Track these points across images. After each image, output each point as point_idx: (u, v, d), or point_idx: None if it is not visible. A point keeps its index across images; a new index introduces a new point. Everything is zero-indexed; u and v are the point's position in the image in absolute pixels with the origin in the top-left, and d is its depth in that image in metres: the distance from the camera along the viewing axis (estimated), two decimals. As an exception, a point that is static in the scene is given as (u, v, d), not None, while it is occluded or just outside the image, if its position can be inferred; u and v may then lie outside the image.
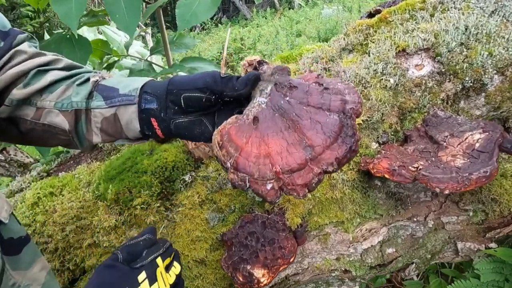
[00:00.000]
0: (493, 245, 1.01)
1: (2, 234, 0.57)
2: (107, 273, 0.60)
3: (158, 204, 1.04)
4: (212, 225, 1.01)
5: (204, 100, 0.66)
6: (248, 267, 0.87)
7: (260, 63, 0.71)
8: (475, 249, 1.02)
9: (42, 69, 0.68)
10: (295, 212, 0.96)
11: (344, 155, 0.60)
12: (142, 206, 1.03)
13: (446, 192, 0.76)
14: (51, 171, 1.36)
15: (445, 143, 0.88)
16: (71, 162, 1.40)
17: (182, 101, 0.67)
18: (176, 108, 0.68)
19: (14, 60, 0.68)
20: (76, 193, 1.14)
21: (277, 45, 6.78)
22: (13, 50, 0.68)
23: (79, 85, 0.69)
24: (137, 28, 2.33)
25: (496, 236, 1.01)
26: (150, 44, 1.93)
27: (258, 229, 0.93)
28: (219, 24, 10.41)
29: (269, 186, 0.61)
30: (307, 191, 0.59)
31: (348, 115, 0.62)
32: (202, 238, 1.01)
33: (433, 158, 0.86)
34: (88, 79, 0.70)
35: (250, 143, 0.64)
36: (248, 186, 0.62)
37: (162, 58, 2.00)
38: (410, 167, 0.83)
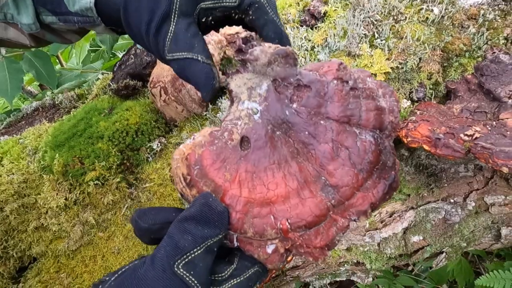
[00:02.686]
0: (548, 232, 0.79)
1: None
2: None
3: (118, 179, 0.81)
4: (188, 206, 0.78)
5: None
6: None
7: (248, 40, 0.44)
8: (524, 237, 0.80)
9: None
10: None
11: (381, 196, 0.40)
12: (96, 181, 0.79)
13: (519, 173, 0.52)
14: (-3, 133, 1.12)
15: (510, 100, 0.62)
16: (23, 122, 1.14)
17: None
18: None
19: None
20: (18, 163, 0.90)
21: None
22: None
23: None
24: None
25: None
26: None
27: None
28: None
29: (270, 249, 0.41)
30: (327, 252, 0.39)
31: (387, 133, 0.41)
32: (175, 222, 0.79)
33: (493, 122, 0.61)
34: None
35: (238, 181, 0.42)
36: (236, 245, 0.42)
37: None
38: (461, 135, 0.58)
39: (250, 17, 0.46)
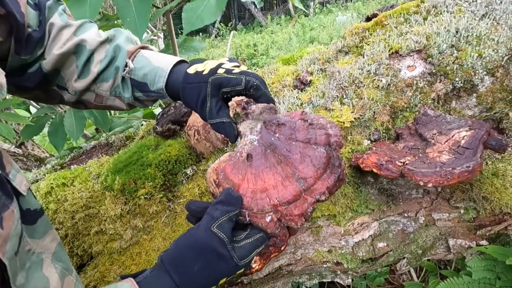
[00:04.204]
0: (484, 242, 1.02)
1: (21, 205, 0.63)
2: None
3: (161, 195, 1.10)
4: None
5: None
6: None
7: (248, 103, 0.76)
8: (466, 246, 1.04)
9: (85, 61, 0.83)
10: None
11: (333, 184, 0.65)
12: (145, 196, 1.09)
13: (430, 185, 0.80)
14: (64, 164, 1.45)
15: (433, 140, 0.92)
16: (83, 156, 1.48)
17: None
18: None
19: (51, 35, 0.81)
20: (86, 184, 1.21)
21: (290, 51, 6.84)
22: (48, 23, 0.81)
23: (122, 82, 0.85)
24: (148, 32, 2.43)
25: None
26: (163, 47, 2.02)
27: (253, 219, 0.98)
28: (234, 31, 10.57)
29: (268, 219, 0.66)
30: (304, 219, 0.65)
31: (333, 147, 0.67)
32: (201, 228, 1.07)
33: (420, 154, 0.89)
34: (124, 78, 0.85)
35: (246, 179, 0.69)
36: (248, 220, 0.68)
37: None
38: (397, 162, 0.87)
39: (251, 93, 0.77)
